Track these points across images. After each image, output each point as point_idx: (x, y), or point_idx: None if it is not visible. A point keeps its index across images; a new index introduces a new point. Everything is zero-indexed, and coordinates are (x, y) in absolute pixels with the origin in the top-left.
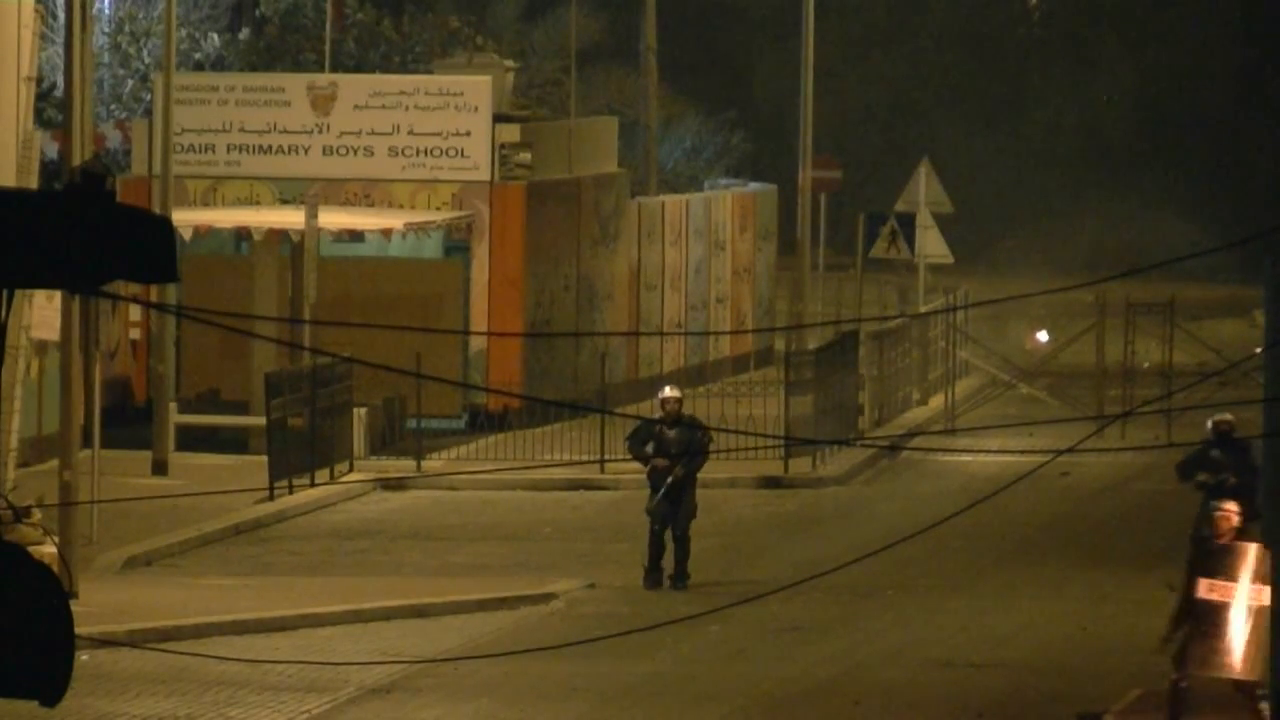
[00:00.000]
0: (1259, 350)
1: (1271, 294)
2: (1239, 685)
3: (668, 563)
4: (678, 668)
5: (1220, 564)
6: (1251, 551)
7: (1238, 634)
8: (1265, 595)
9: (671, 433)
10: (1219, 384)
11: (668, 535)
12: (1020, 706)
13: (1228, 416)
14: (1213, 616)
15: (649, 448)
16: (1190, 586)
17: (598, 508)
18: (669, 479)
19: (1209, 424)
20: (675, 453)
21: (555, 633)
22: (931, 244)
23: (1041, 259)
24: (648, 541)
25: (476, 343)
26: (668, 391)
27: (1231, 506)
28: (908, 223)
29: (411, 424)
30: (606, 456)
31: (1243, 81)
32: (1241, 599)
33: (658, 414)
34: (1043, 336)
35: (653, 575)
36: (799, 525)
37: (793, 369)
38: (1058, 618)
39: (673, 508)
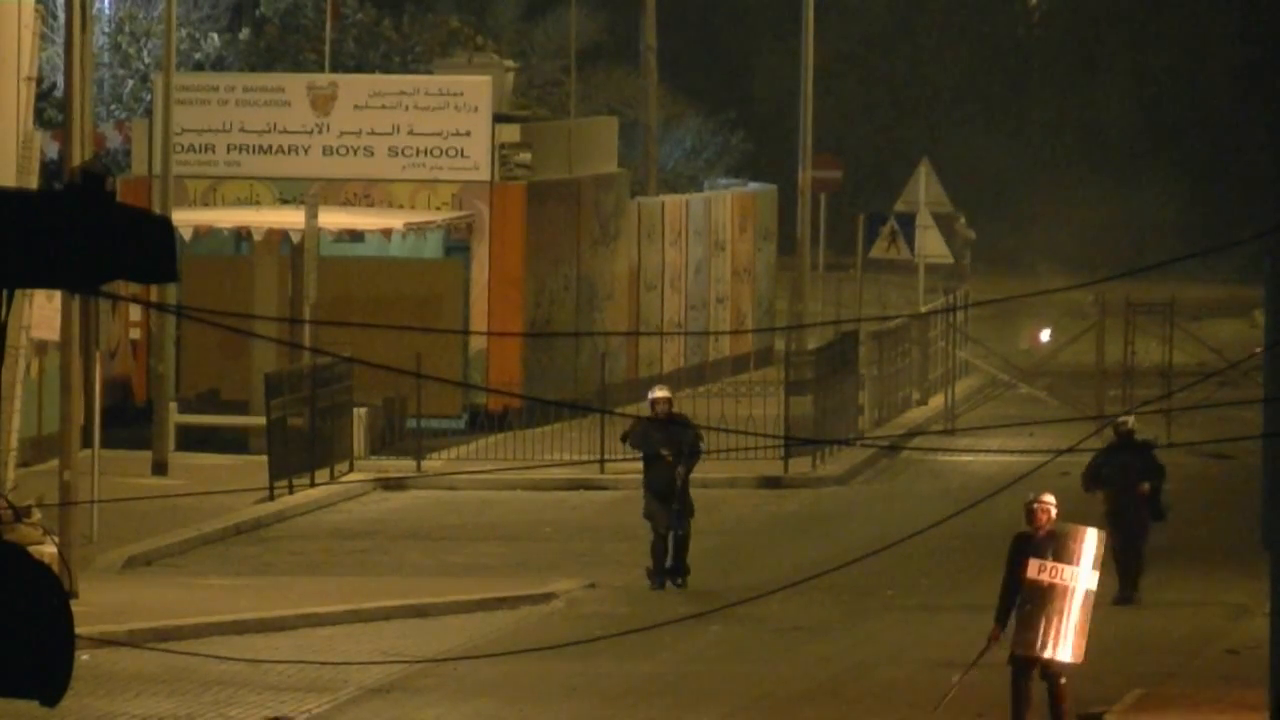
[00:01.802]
0: (1259, 350)
1: (1271, 294)
2: (1047, 666)
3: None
4: (678, 668)
5: (1049, 547)
6: (1080, 535)
7: (1066, 616)
8: (1093, 580)
9: (660, 434)
10: (1219, 384)
11: (670, 537)
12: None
13: (1128, 420)
14: (1039, 598)
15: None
16: (1010, 579)
17: (598, 508)
18: (676, 483)
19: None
20: (673, 452)
21: (555, 633)
22: (931, 244)
23: (1042, 258)
24: (650, 545)
25: (476, 343)
26: (657, 392)
27: (1049, 499)
28: (908, 223)
29: (411, 424)
30: (606, 456)
31: (1242, 81)
32: (1071, 581)
33: (647, 415)
34: (1045, 336)
35: (659, 577)
36: (799, 525)
37: (793, 369)
38: None
39: (672, 510)
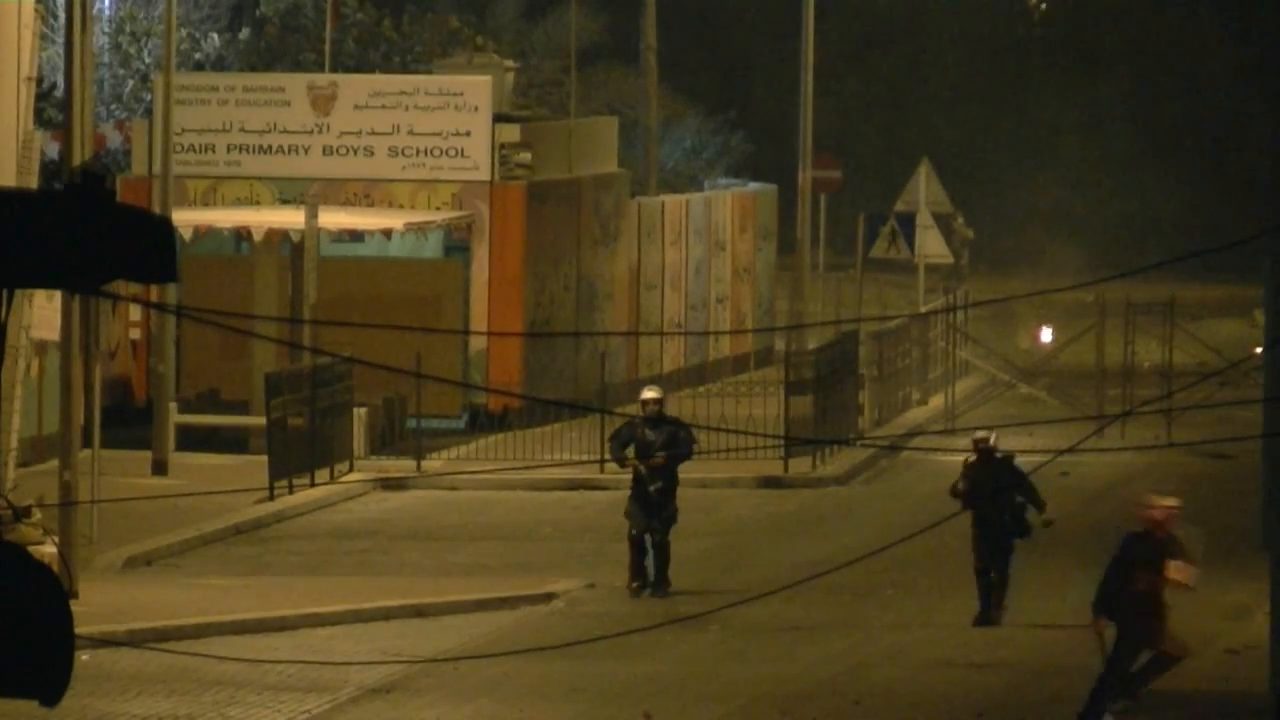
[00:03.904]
0: (1259, 350)
1: (1271, 294)
2: (1165, 653)
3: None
4: (678, 668)
5: (1169, 550)
6: (1192, 536)
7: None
8: (1192, 576)
9: (652, 434)
10: (1219, 384)
11: (648, 540)
12: (1020, 706)
13: (987, 435)
14: (1157, 599)
15: (630, 450)
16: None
17: (598, 508)
18: (651, 464)
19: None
20: (658, 450)
21: (555, 633)
22: (931, 244)
23: (1041, 259)
24: (629, 546)
25: (476, 343)
26: (648, 393)
27: (1174, 503)
28: (907, 223)
29: (411, 424)
30: (606, 456)
31: (1242, 81)
32: (1189, 580)
33: (639, 415)
34: (1046, 335)
35: (640, 578)
36: (799, 525)
37: (793, 369)
38: (1058, 618)
39: (652, 512)
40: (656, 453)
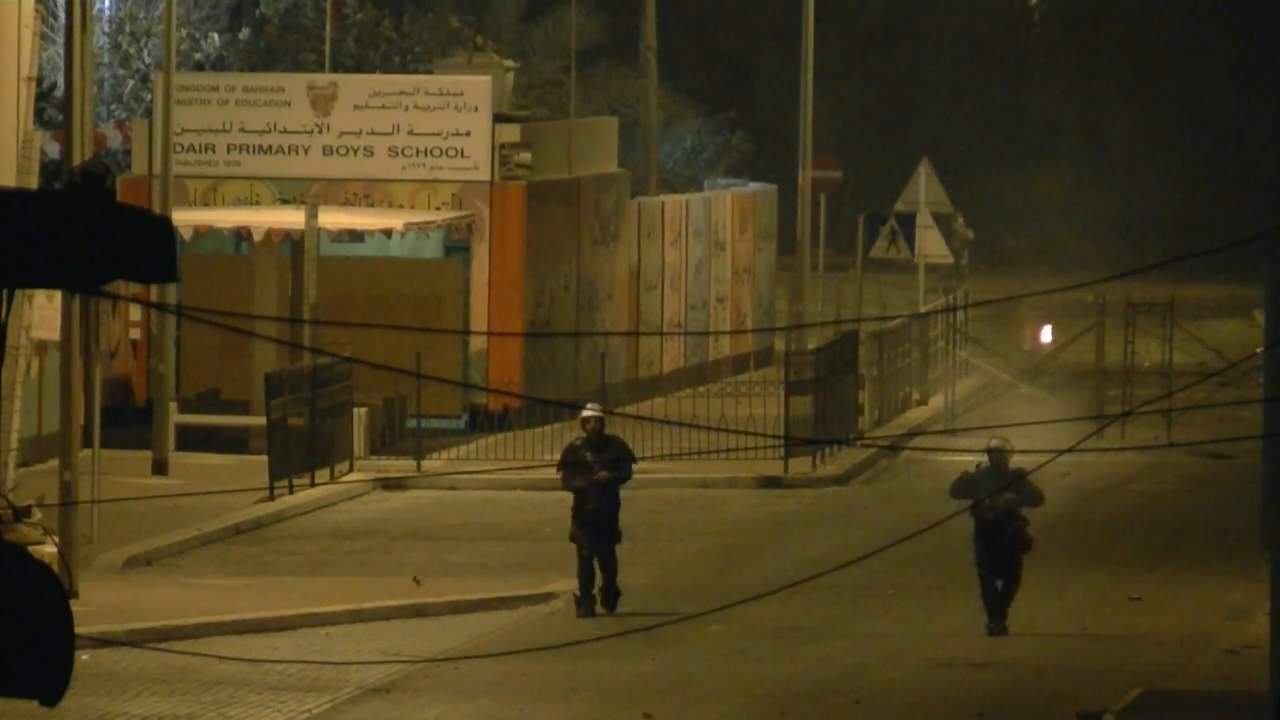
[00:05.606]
0: (1259, 350)
1: (1271, 294)
2: None
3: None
4: (678, 668)
5: None
6: None
7: None
8: None
9: (592, 456)
10: (1219, 384)
11: (595, 563)
12: (1020, 706)
13: (1003, 442)
14: None
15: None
16: None
17: None
18: (595, 478)
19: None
20: (601, 465)
21: (555, 633)
22: (931, 244)
23: (1041, 259)
24: (577, 569)
25: (476, 343)
26: (587, 411)
27: None
28: (908, 223)
29: (411, 424)
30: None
31: (1242, 80)
32: None
33: (579, 436)
34: (1046, 335)
35: (585, 603)
36: (799, 525)
37: (793, 369)
38: (1058, 618)
39: (594, 536)
40: (599, 472)
